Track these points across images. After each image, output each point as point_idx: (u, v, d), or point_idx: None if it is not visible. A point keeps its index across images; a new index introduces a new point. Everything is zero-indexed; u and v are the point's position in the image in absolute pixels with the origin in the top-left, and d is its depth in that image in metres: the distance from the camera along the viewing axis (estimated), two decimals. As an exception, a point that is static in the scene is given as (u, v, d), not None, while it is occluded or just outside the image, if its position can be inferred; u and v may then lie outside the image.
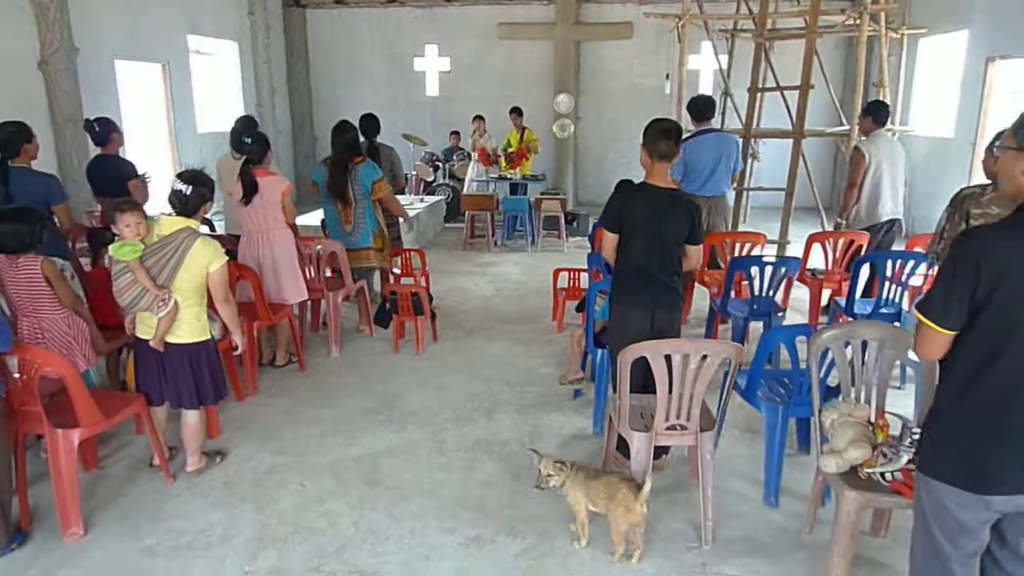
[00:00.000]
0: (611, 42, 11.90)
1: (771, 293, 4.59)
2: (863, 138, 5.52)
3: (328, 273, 5.23)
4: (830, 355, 2.83)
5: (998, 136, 2.61)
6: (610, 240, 3.31)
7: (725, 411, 3.45)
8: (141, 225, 3.07)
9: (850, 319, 4.49)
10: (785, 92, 7.50)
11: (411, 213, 8.60)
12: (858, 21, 6.90)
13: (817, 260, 5.51)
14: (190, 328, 3.22)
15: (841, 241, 5.26)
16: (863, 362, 2.79)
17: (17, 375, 2.94)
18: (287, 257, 4.74)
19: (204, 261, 3.13)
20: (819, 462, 2.64)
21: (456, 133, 11.39)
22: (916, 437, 2.54)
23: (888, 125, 8.24)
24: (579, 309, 4.79)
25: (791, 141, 6.96)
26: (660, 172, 3.20)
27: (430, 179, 10.63)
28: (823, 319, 5.38)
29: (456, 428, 4.01)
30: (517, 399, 4.41)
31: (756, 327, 5.02)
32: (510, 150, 9.71)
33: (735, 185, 6.66)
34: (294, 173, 12.53)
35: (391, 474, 3.52)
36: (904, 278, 4.48)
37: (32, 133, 4.25)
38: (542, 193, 9.42)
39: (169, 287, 3.10)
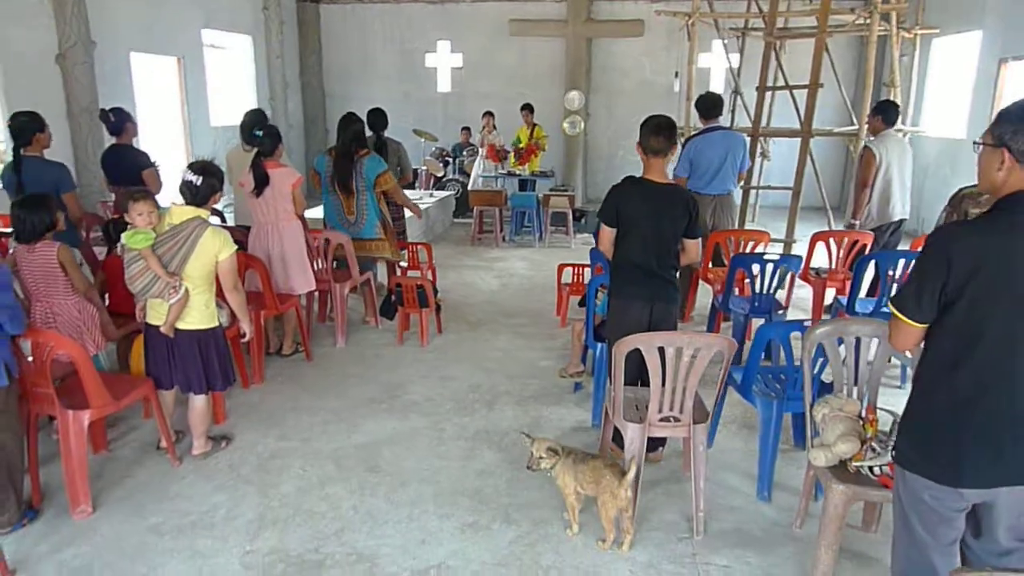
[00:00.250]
0: (622, 39, 11.92)
1: (772, 291, 4.62)
2: (872, 138, 5.52)
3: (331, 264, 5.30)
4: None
5: None
6: (607, 234, 3.37)
7: (720, 405, 3.51)
8: (153, 214, 3.16)
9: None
10: (795, 91, 7.51)
11: (421, 208, 8.71)
12: (868, 21, 6.88)
13: (821, 259, 5.53)
14: (199, 315, 3.31)
15: (845, 240, 5.27)
16: (856, 358, 2.83)
17: (30, 358, 3.04)
18: (296, 248, 4.82)
19: (214, 250, 3.22)
20: (809, 455, 2.68)
21: (467, 129, 11.45)
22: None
23: (899, 125, 8.26)
24: (582, 304, 4.84)
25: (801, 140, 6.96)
26: (656, 167, 3.25)
27: (440, 174, 10.70)
28: (826, 318, 5.39)
29: (457, 418, 4.08)
30: (518, 391, 4.47)
31: (757, 324, 5.04)
32: (520, 146, 9.76)
33: (741, 183, 6.68)
34: (305, 166, 12.60)
35: (391, 461, 3.59)
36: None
37: (44, 123, 4.35)
38: (551, 190, 9.47)
39: (180, 274, 3.19)
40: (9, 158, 4.37)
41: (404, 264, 6.42)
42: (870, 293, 5.20)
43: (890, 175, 5.26)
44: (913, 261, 4.43)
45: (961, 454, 1.87)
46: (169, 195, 4.22)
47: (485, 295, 6.74)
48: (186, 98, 9.87)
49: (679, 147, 7.98)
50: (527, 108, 9.96)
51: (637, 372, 3.13)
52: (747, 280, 4.69)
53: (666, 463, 3.59)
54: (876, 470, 2.57)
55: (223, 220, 6.02)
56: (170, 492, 3.27)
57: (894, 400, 3.50)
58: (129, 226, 3.16)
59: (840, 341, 2.84)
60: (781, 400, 3.25)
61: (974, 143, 1.93)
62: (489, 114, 10.38)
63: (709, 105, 5.61)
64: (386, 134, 6.19)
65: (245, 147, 5.18)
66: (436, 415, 4.12)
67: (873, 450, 2.60)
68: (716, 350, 2.86)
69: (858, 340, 2.83)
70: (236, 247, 3.35)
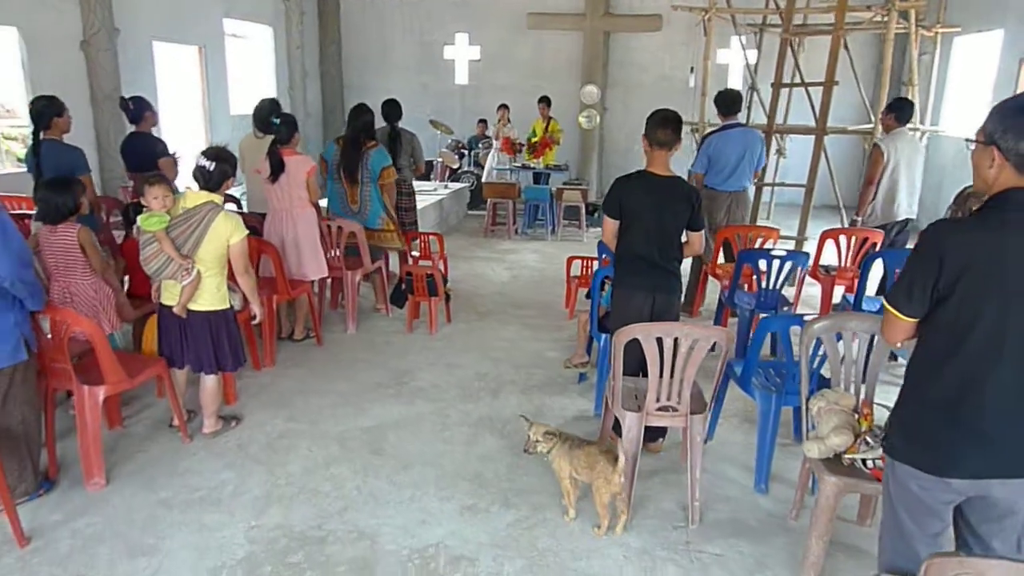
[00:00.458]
0: (641, 34, 11.90)
1: (779, 287, 4.64)
2: (884, 135, 5.50)
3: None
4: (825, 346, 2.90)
5: None
6: (610, 226, 3.42)
7: (720, 397, 3.55)
8: (168, 198, 3.25)
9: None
10: (811, 89, 7.47)
11: (435, 199, 8.80)
12: (886, 18, 6.84)
13: (831, 257, 5.53)
14: (211, 297, 3.41)
15: (855, 238, 5.27)
16: (857, 353, 2.86)
17: (49, 335, 3.15)
18: (309, 235, 4.91)
19: (225, 233, 3.31)
20: (803, 448, 2.72)
21: (483, 121, 11.50)
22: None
23: (915, 124, 8.19)
24: (590, 296, 4.89)
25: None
26: (660, 160, 3.30)
27: (455, 166, 10.77)
28: (833, 315, 5.39)
29: (462, 405, 4.16)
30: (523, 380, 4.54)
31: (764, 320, 5.07)
32: (534, 139, 9.79)
33: (755, 180, 6.67)
34: (323, 156, 12.77)
35: (396, 444, 3.68)
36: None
37: (63, 107, 4.45)
38: (564, 183, 9.50)
39: (192, 257, 3.28)
40: (31, 142, 4.49)
41: (416, 254, 6.50)
42: (879, 292, 5.21)
43: (897, 174, 5.24)
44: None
45: (948, 444, 1.89)
46: (186, 182, 4.32)
47: (495, 286, 6.80)
48: (206, 86, 9.99)
49: (697, 143, 8.08)
50: (544, 101, 9.97)
51: (638, 363, 3.18)
52: (754, 276, 4.72)
53: (666, 454, 3.64)
54: (869, 463, 2.61)
55: (239, 207, 6.13)
56: (180, 468, 3.38)
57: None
58: (145, 209, 3.26)
59: (839, 336, 2.87)
60: (780, 394, 3.29)
61: (966, 140, 1.95)
62: (504, 107, 10.42)
63: (729, 102, 5.60)
64: (401, 125, 6.26)
65: (257, 134, 5.27)
66: (441, 401, 4.20)
67: (867, 443, 2.63)
68: (713, 341, 2.90)
69: (856, 335, 2.86)
70: (247, 232, 3.44)
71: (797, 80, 7.87)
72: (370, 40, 13.01)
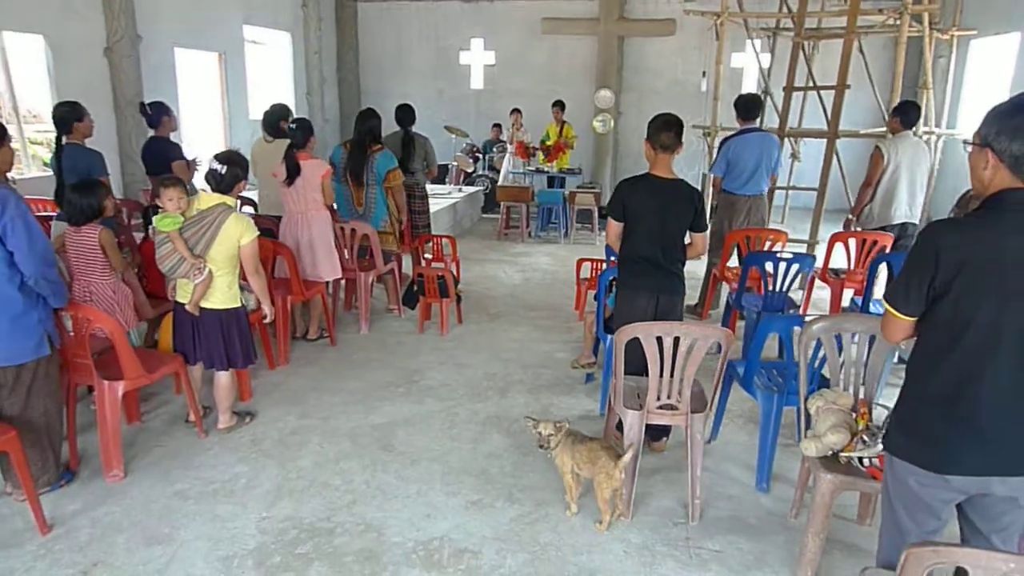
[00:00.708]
0: (655, 38, 11.95)
1: (786, 289, 4.66)
2: (890, 138, 5.51)
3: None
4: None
5: None
6: (614, 228, 3.48)
7: (720, 397, 3.60)
8: (182, 200, 3.38)
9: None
10: (824, 92, 7.49)
11: (449, 202, 8.91)
12: (898, 22, 6.83)
13: (842, 260, 5.54)
14: (223, 296, 3.52)
15: (864, 241, 5.28)
16: (857, 353, 2.89)
17: (71, 332, 3.28)
18: (324, 237, 5.02)
19: (236, 234, 3.42)
20: (801, 446, 2.76)
21: (498, 126, 11.61)
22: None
23: (930, 127, 8.16)
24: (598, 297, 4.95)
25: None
26: (663, 163, 3.36)
27: (470, 170, 10.88)
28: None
29: (470, 403, 4.23)
30: (531, 380, 4.61)
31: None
32: (548, 143, 9.87)
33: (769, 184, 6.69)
34: (340, 160, 12.94)
35: (404, 441, 3.76)
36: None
37: (84, 112, 4.60)
38: (578, 187, 9.57)
39: (204, 257, 3.40)
40: (54, 146, 4.65)
41: (428, 256, 6.60)
42: (887, 294, 5.19)
43: (897, 176, 5.23)
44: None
45: (947, 441, 1.92)
46: (201, 184, 4.45)
47: (507, 288, 6.88)
48: (226, 92, 10.20)
49: (709, 147, 8.11)
50: (558, 105, 10.04)
51: (642, 363, 3.24)
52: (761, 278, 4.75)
53: (669, 453, 3.68)
54: (866, 461, 2.64)
55: (256, 210, 6.26)
56: (195, 462, 3.49)
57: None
58: (160, 210, 3.38)
59: (839, 337, 2.91)
60: (782, 394, 3.33)
61: (963, 143, 1.99)
62: (517, 111, 10.52)
63: (749, 107, 5.61)
64: (416, 129, 6.36)
65: (266, 138, 5.41)
66: (450, 400, 4.28)
67: (863, 442, 2.66)
68: (713, 341, 2.95)
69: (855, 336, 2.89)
70: (258, 233, 3.55)
71: (810, 84, 7.88)
72: (387, 46, 13.19)
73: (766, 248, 5.26)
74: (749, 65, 11.08)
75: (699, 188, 4.80)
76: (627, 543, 2.94)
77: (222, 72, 10.11)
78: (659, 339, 2.94)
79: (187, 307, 3.49)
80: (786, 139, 7.99)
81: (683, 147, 3.39)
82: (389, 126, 6.25)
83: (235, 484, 3.30)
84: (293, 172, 4.81)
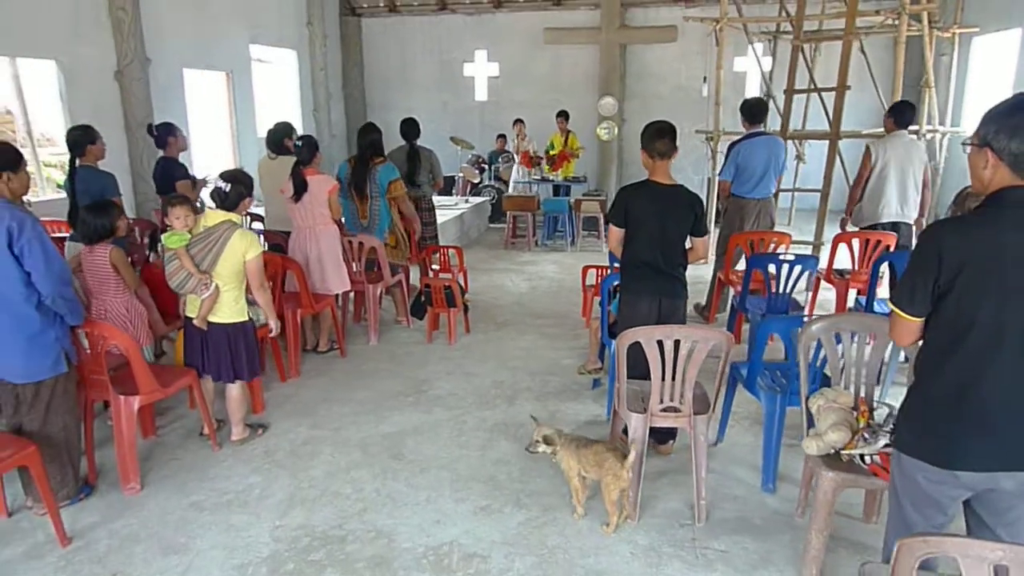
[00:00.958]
0: (657, 45, 12.03)
1: (790, 291, 4.70)
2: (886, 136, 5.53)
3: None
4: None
5: None
6: (616, 234, 3.55)
7: (730, 400, 3.63)
8: (189, 218, 3.48)
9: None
10: (826, 94, 7.51)
11: (456, 213, 8.99)
12: (896, 22, 6.87)
13: (847, 261, 5.56)
14: (229, 310, 3.61)
15: (869, 242, 5.30)
16: (857, 352, 2.92)
17: (88, 349, 3.37)
18: (332, 251, 5.11)
19: (241, 250, 3.52)
20: (803, 445, 2.80)
21: (502, 136, 11.70)
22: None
23: (932, 125, 8.16)
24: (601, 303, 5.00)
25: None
26: (661, 169, 3.42)
27: (476, 181, 10.97)
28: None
29: (478, 411, 4.29)
30: (539, 387, 4.66)
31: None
32: (552, 152, 9.95)
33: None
34: (348, 175, 13.07)
35: (414, 449, 3.82)
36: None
37: (97, 135, 4.72)
38: (583, 194, 9.63)
39: (211, 272, 3.49)
40: (68, 168, 4.76)
41: (436, 267, 6.68)
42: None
43: (886, 175, 5.25)
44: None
45: (955, 437, 1.94)
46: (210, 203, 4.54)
47: (514, 297, 6.94)
48: (234, 110, 10.37)
49: (712, 151, 8.15)
50: (562, 115, 10.13)
51: (645, 367, 3.29)
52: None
53: (676, 456, 3.72)
54: (867, 459, 2.67)
55: (264, 225, 6.37)
56: (210, 473, 3.56)
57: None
58: (168, 228, 3.48)
59: (839, 337, 2.94)
60: (785, 394, 3.36)
61: (962, 144, 2.02)
62: (519, 122, 10.61)
63: (756, 111, 5.66)
64: (421, 142, 6.44)
65: (271, 155, 5.51)
66: (459, 408, 4.34)
67: (864, 439, 2.70)
68: (713, 343, 3.00)
69: (854, 335, 2.93)
70: (262, 249, 3.64)
71: (812, 86, 7.91)
72: (391, 61, 13.34)
73: (770, 250, 5.29)
74: (752, 69, 11.13)
75: (705, 193, 4.82)
76: (634, 545, 2.98)
77: (230, 91, 10.28)
78: (660, 343, 2.99)
79: (195, 321, 3.58)
80: (791, 141, 8.01)
81: (678, 151, 3.45)
82: (395, 140, 6.36)
83: (249, 494, 3.37)
84: (300, 188, 4.90)
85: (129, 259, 3.82)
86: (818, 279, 5.62)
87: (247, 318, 3.70)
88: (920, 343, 2.08)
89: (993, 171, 1.87)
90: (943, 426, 1.97)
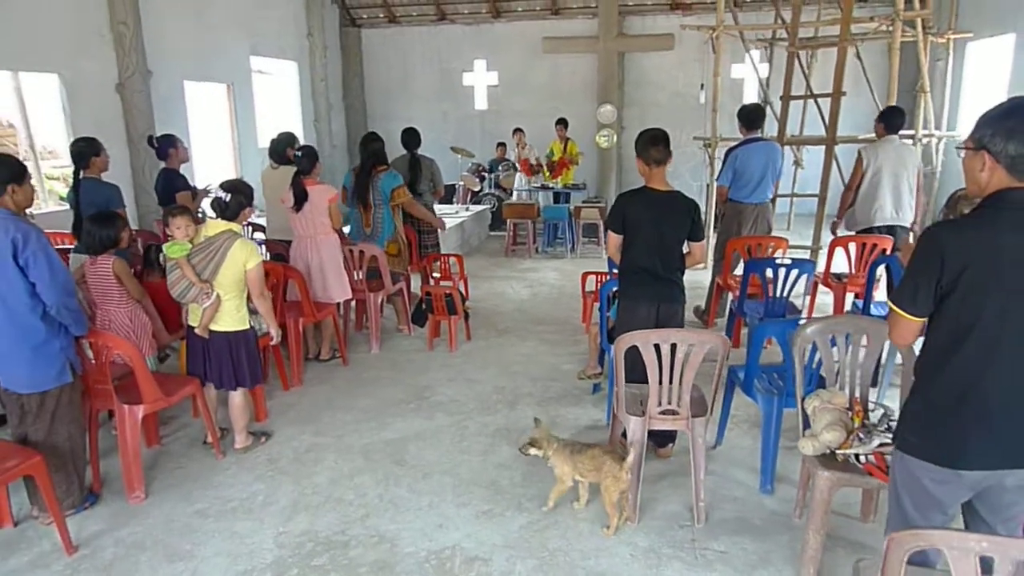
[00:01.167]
0: (654, 53, 12.11)
1: (787, 295, 4.74)
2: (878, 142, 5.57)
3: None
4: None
5: None
6: (613, 240, 3.59)
7: (728, 403, 3.67)
8: (190, 228, 3.53)
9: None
10: (821, 100, 7.58)
11: (456, 221, 9.04)
12: (891, 28, 6.94)
13: (844, 265, 5.60)
14: (231, 318, 3.66)
15: (865, 245, 5.34)
16: (852, 354, 2.96)
17: (92, 359, 3.41)
18: (333, 259, 5.16)
19: (242, 259, 3.57)
20: (798, 445, 2.83)
21: (502, 145, 11.76)
22: (893, 423, 2.72)
23: (929, 130, 8.21)
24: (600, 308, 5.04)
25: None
26: (658, 176, 3.47)
27: (476, 189, 11.04)
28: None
29: (480, 417, 4.32)
30: (540, 393, 4.70)
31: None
32: (552, 159, 10.02)
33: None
34: (349, 184, 13.16)
35: (416, 455, 3.85)
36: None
37: (100, 147, 4.77)
38: (583, 201, 9.69)
39: (212, 281, 3.54)
40: (72, 180, 4.82)
41: (437, 275, 6.72)
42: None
43: (878, 179, 5.29)
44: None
45: (959, 437, 1.96)
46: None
47: (515, 304, 6.98)
48: (235, 122, 10.45)
49: (710, 157, 8.21)
50: (561, 123, 10.21)
51: (643, 371, 3.32)
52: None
53: (675, 459, 3.75)
54: (862, 458, 2.71)
55: (265, 235, 6.42)
56: (214, 481, 3.60)
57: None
58: (170, 238, 3.53)
59: (833, 339, 2.98)
60: (782, 396, 3.39)
61: (957, 147, 2.05)
62: (519, 131, 10.69)
63: (753, 117, 5.70)
64: (422, 151, 6.50)
65: (273, 165, 5.58)
66: (460, 414, 4.37)
67: (859, 439, 2.73)
68: (709, 347, 3.03)
69: (848, 337, 2.97)
70: (263, 258, 3.68)
71: (808, 92, 7.98)
72: (391, 71, 13.44)
73: (767, 255, 5.34)
74: (749, 76, 11.20)
75: (703, 198, 4.84)
76: (634, 546, 3.01)
77: (231, 103, 10.37)
78: (657, 346, 3.03)
79: (196, 330, 3.62)
80: (788, 147, 8.07)
81: (672, 157, 3.50)
82: (396, 150, 6.42)
83: (253, 501, 3.40)
84: (300, 198, 4.95)
85: (132, 270, 3.87)
86: (815, 283, 5.65)
87: (249, 326, 3.74)
88: (922, 345, 2.11)
89: (990, 173, 1.90)
90: (946, 426, 1.99)
